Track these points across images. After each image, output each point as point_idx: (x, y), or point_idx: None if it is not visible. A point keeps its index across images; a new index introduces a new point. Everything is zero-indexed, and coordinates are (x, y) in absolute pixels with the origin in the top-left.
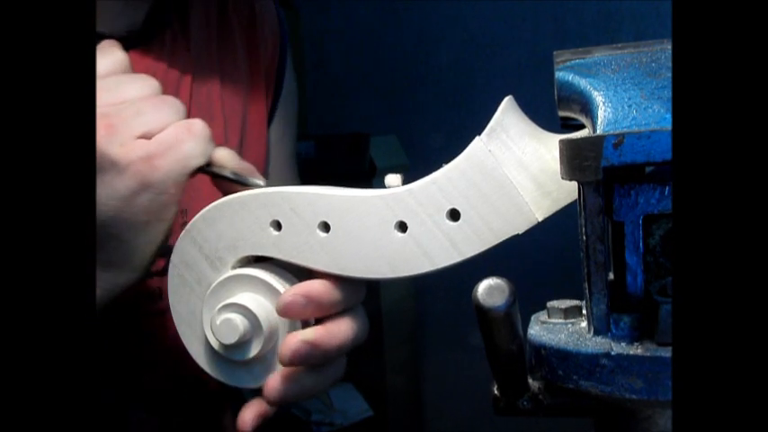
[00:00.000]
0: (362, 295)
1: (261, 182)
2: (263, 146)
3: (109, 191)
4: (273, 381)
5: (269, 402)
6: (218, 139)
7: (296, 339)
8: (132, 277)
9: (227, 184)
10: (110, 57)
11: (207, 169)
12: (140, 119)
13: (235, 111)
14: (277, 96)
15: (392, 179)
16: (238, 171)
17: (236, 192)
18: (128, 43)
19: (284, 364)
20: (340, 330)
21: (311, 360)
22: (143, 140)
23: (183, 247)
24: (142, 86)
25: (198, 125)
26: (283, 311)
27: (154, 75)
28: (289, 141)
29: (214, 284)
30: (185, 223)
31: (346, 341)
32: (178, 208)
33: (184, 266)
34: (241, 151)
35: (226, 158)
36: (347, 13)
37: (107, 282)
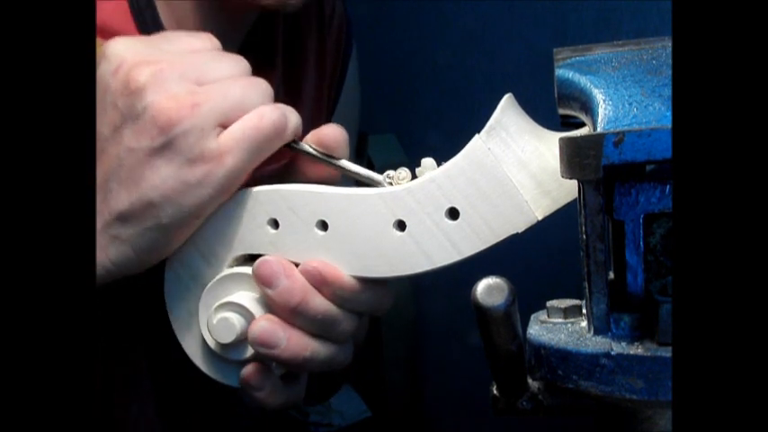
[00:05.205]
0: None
1: (344, 160)
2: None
3: (174, 173)
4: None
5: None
6: None
7: (263, 317)
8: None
9: (307, 160)
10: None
11: (291, 145)
12: (227, 103)
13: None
14: (335, 101)
15: (428, 162)
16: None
17: (317, 171)
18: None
19: (250, 343)
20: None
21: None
22: (218, 132)
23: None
24: (232, 66)
25: (268, 119)
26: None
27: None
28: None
29: (211, 283)
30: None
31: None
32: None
33: (180, 264)
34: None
35: (308, 136)
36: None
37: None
